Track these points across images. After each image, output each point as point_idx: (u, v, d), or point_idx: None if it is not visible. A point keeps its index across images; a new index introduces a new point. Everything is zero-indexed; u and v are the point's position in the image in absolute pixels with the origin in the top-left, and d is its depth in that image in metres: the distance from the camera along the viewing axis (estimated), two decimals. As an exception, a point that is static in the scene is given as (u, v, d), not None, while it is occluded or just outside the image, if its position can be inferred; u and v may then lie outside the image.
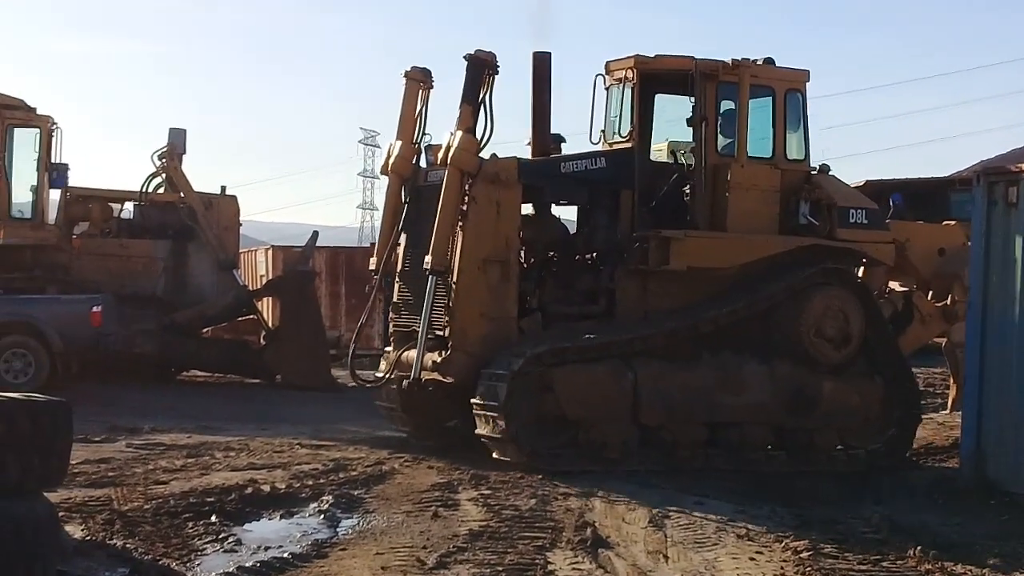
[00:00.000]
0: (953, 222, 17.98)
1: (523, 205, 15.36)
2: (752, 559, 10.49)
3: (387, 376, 15.10)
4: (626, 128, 15.52)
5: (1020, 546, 10.98)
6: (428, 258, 14.35)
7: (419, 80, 15.30)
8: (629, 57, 15.39)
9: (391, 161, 15.31)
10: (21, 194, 24.35)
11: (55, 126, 24.45)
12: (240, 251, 26.93)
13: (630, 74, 15.38)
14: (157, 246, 23.67)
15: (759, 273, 15.16)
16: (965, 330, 16.47)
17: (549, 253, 15.68)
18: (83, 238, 24.79)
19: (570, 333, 14.73)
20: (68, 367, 19.93)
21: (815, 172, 15.75)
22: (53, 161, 24.34)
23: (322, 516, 11.60)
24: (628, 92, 15.47)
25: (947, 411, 18.36)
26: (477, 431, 14.16)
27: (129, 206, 25.15)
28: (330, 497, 12.20)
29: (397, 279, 15.50)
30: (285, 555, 10.19)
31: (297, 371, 22.55)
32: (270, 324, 24.75)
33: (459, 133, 14.42)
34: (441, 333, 14.44)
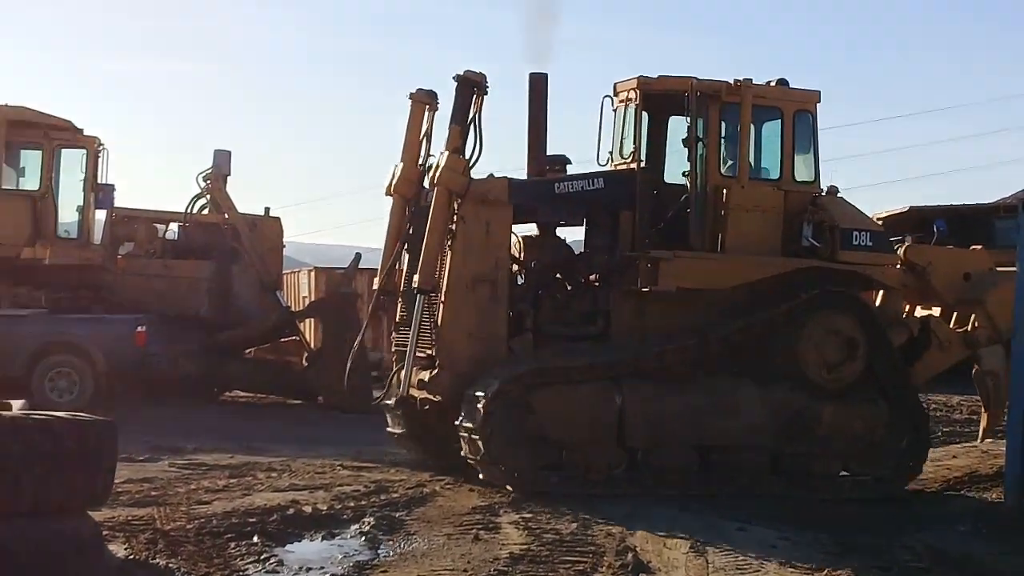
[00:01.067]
0: (979, 247, 17.72)
1: (526, 226, 15.38)
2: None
3: (383, 395, 15.10)
4: (629, 149, 15.42)
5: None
6: (416, 277, 14.37)
7: (424, 102, 15.24)
8: (633, 78, 15.30)
9: (395, 182, 15.23)
10: (68, 214, 24.53)
11: (101, 147, 24.64)
12: (283, 272, 26.99)
13: (633, 95, 15.29)
14: (201, 267, 23.74)
15: (758, 295, 14.98)
16: (995, 356, 16.39)
17: (552, 274, 15.56)
18: (128, 258, 24.89)
19: (558, 354, 14.62)
20: (112, 387, 20.02)
21: (822, 194, 15.52)
22: (99, 181, 24.55)
23: (363, 538, 11.61)
24: (632, 113, 15.37)
25: (978, 440, 18.11)
26: (461, 452, 14.12)
27: (174, 227, 25.26)
28: (371, 519, 12.20)
29: (400, 299, 15.45)
30: (327, 576, 10.22)
31: (339, 392, 22.59)
32: (312, 345, 24.81)
33: (447, 153, 14.40)
34: (430, 352, 14.39)
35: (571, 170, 15.71)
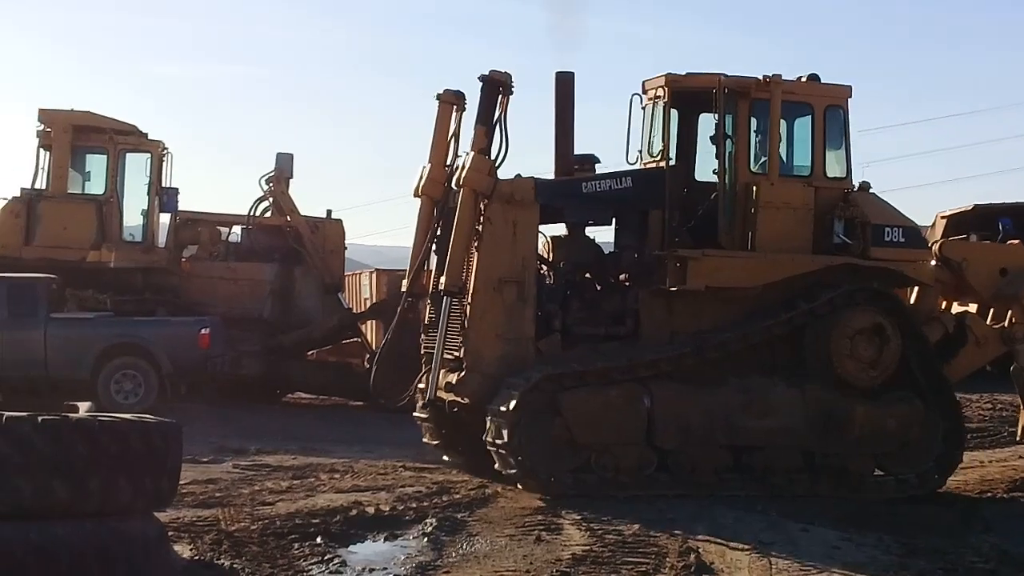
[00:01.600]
0: (1016, 241, 17.41)
1: (554, 226, 15.27)
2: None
3: (407, 396, 15.10)
4: (658, 147, 15.28)
5: None
6: (443, 278, 14.35)
7: (452, 103, 15.18)
8: (661, 76, 15.14)
9: (422, 183, 15.16)
10: (132, 218, 24.78)
11: (166, 151, 24.85)
12: (345, 274, 27.06)
13: (662, 92, 15.13)
14: (264, 269, 23.88)
15: (790, 293, 14.80)
16: None
17: (581, 274, 15.48)
18: (192, 261, 25.09)
19: (587, 355, 14.49)
20: (177, 388, 20.15)
21: (854, 191, 15.33)
22: (164, 185, 24.75)
23: (426, 539, 11.62)
24: (660, 111, 15.23)
25: (1018, 437, 17.80)
26: (495, 466, 14.07)
27: (237, 230, 25.43)
28: (434, 520, 12.21)
29: (429, 300, 15.39)
30: (391, 576, 10.25)
31: (400, 394, 22.62)
32: (374, 347, 24.85)
33: (472, 154, 14.36)
34: (457, 354, 14.34)
35: (600, 169, 15.58)
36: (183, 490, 11.76)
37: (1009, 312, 15.90)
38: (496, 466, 14.04)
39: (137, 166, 24.72)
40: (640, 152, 15.44)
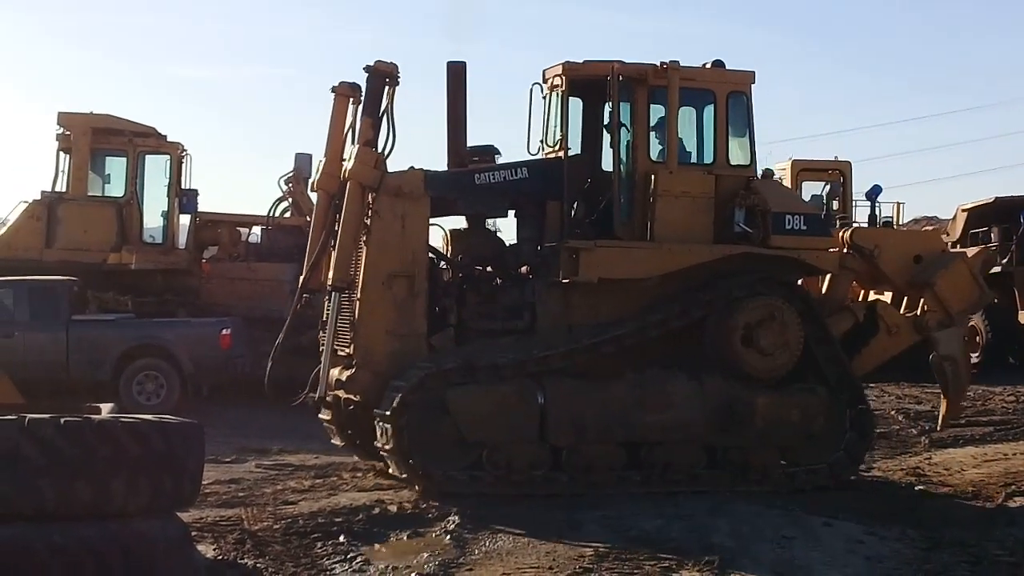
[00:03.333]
0: (932, 227, 17.20)
1: (453, 219, 15.19)
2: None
3: (303, 394, 14.65)
4: (556, 136, 15.01)
5: None
6: (330, 274, 14.13)
7: (347, 95, 14.73)
8: (559, 64, 14.89)
9: (318, 178, 14.92)
10: (152, 219, 24.85)
11: (185, 152, 24.93)
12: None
13: (560, 81, 14.89)
14: (284, 269, 23.83)
15: (689, 284, 14.59)
16: (953, 340, 15.96)
17: (480, 267, 15.19)
18: (212, 262, 25.18)
19: (478, 350, 14.23)
20: (198, 389, 20.21)
21: (757, 178, 15.11)
22: (183, 187, 24.83)
23: (449, 536, 11.64)
24: (558, 100, 15.00)
25: (938, 427, 17.67)
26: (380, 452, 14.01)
27: (257, 230, 25.54)
28: (456, 517, 12.21)
29: (325, 296, 14.96)
30: (412, 575, 10.25)
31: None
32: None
33: (358, 147, 14.12)
34: (348, 350, 14.16)
35: (502, 160, 15.34)
36: (206, 490, 11.80)
37: (922, 300, 15.74)
38: (389, 470, 13.99)
39: (157, 168, 24.79)
40: (542, 142, 15.13)
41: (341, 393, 14.25)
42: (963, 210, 31.67)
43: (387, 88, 14.19)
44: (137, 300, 22.77)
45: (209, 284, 23.97)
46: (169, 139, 24.87)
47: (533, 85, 15.10)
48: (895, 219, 31.99)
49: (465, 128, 14.97)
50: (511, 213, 15.28)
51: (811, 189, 32.54)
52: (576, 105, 15.15)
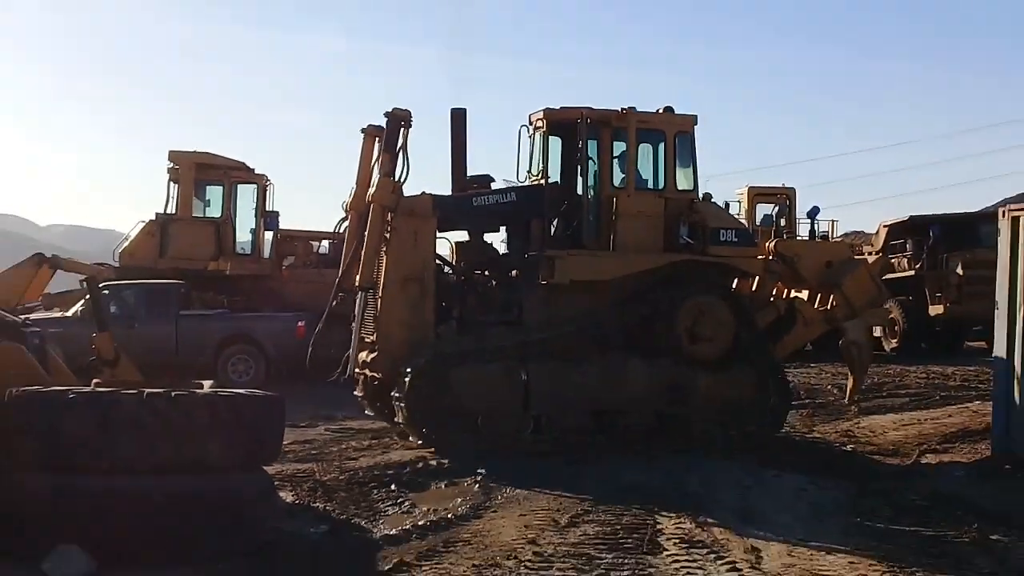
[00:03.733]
0: (859, 240, 17.21)
1: (457, 233, 15.07)
2: (822, 521, 10.33)
3: (337, 373, 14.61)
4: (538, 167, 14.92)
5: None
6: (358, 277, 14.17)
7: (373, 135, 14.68)
8: (541, 109, 14.85)
9: (350, 201, 14.91)
10: (243, 235, 24.98)
11: (268, 182, 25.04)
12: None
13: (541, 123, 14.85)
14: (347, 274, 23.91)
15: (643, 285, 14.53)
16: (858, 329, 15.96)
17: (478, 272, 15.20)
18: (290, 269, 25.22)
19: (475, 338, 14.23)
20: (279, 369, 20.22)
21: (698, 200, 14.98)
22: (267, 209, 24.93)
23: (477, 486, 11.61)
24: (540, 138, 14.93)
25: (845, 399, 17.67)
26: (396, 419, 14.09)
27: (325, 243, 25.52)
28: (483, 471, 12.17)
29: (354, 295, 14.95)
30: (449, 516, 10.25)
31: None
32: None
33: (379, 176, 14.14)
34: (372, 338, 14.17)
35: (494, 187, 15.24)
36: (285, 449, 11.81)
37: (832, 297, 15.75)
38: (409, 437, 14.11)
39: (246, 194, 24.93)
40: (528, 172, 15.06)
41: (367, 371, 14.30)
42: (884, 226, 31.60)
43: (402, 129, 14.17)
44: (231, 299, 22.86)
45: (287, 286, 23.97)
46: (256, 171, 24.98)
47: (521, 127, 15.04)
48: (830, 233, 31.91)
49: (465, 160, 14.96)
50: (503, 229, 15.26)
51: (764, 210, 32.49)
52: (556, 142, 15.05)
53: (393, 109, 14.12)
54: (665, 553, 8.96)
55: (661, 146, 14.93)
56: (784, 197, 32.38)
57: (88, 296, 13.42)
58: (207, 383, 10.08)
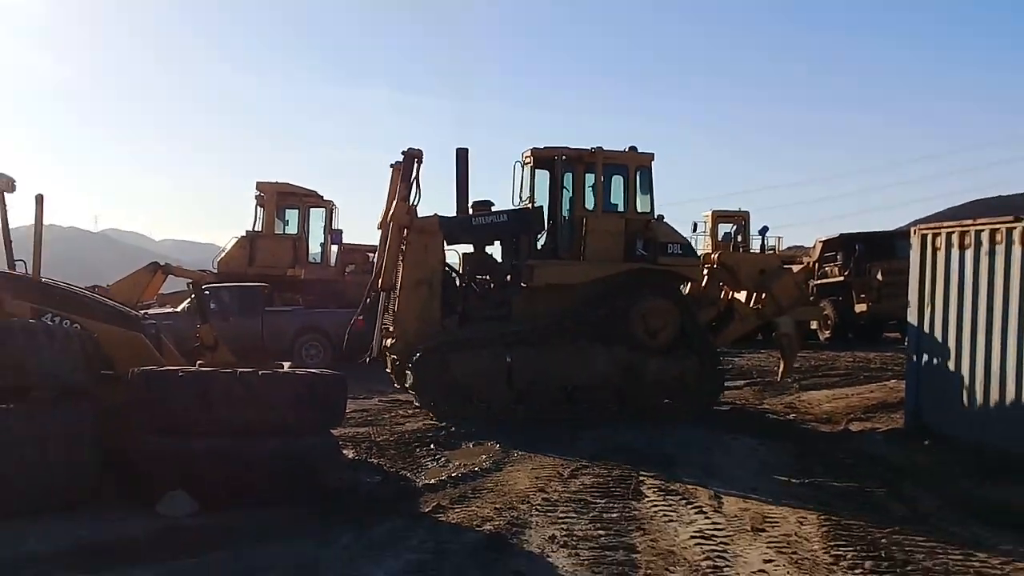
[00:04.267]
0: (773, 252, 17.04)
1: (462, 246, 15.07)
2: (769, 476, 10.30)
3: (368, 355, 14.74)
4: (526, 194, 14.94)
5: (946, 467, 10.61)
6: (380, 281, 14.32)
7: (398, 169, 14.66)
8: (529, 148, 14.89)
9: (382, 221, 14.82)
10: (314, 248, 25.05)
11: (334, 206, 25.12)
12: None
13: (529, 159, 14.88)
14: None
15: (607, 288, 14.48)
16: (788, 323, 15.91)
17: (479, 277, 15.17)
18: (351, 275, 25.25)
19: (471, 329, 14.29)
20: (343, 354, 20.25)
21: (653, 221, 14.87)
22: (333, 227, 25.02)
23: (498, 446, 11.61)
24: (528, 171, 14.92)
25: (778, 379, 17.63)
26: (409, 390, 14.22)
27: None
28: (503, 435, 12.19)
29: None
30: (476, 469, 10.25)
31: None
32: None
33: (397, 201, 14.24)
34: (392, 327, 14.28)
35: (495, 209, 15.15)
36: (347, 416, 11.82)
37: (764, 296, 15.70)
38: (415, 401, 14.27)
39: (317, 216, 25.02)
40: (520, 198, 15.04)
41: (386, 353, 14.43)
42: (820, 241, 31.49)
43: (416, 164, 14.19)
44: (305, 298, 22.92)
45: (349, 288, 23.95)
46: (325, 198, 25.04)
47: (515, 162, 15.05)
48: (777, 247, 31.86)
49: (467, 188, 14.90)
50: (498, 243, 15.18)
51: (724, 228, 32.43)
52: (543, 174, 15.01)
53: (409, 148, 14.18)
54: (646, 500, 8.95)
55: (626, 178, 14.93)
56: (740, 219, 32.36)
57: (193, 295, 13.46)
58: (286, 364, 10.11)
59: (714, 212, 32.46)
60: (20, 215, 10.19)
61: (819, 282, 30.69)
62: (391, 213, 14.24)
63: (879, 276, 27.96)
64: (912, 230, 13.14)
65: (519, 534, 7.67)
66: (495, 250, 15.43)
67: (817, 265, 31.14)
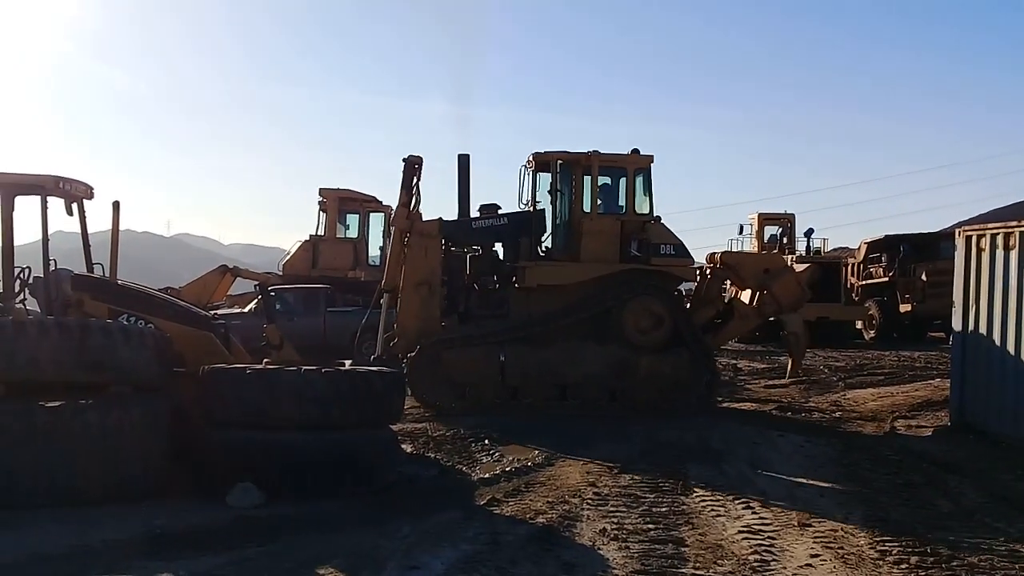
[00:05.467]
0: (776, 251, 16.69)
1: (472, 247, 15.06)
2: (816, 471, 10.16)
3: (374, 355, 14.57)
4: (527, 198, 14.83)
5: (991, 463, 10.41)
6: (383, 282, 14.36)
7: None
8: (531, 153, 14.76)
9: (392, 220, 15.00)
10: (374, 251, 25.16)
11: (392, 211, 25.18)
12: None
13: (531, 163, 14.76)
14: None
15: (601, 287, 14.35)
16: (796, 322, 15.76)
17: (483, 277, 15.06)
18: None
19: (468, 328, 14.28)
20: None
21: (650, 222, 14.64)
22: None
23: (549, 442, 11.59)
24: (529, 175, 14.83)
25: (787, 377, 17.24)
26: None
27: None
28: (554, 432, 12.16)
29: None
30: (529, 464, 10.24)
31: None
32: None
33: (397, 207, 14.26)
34: (395, 326, 14.32)
35: (500, 213, 15.21)
36: (405, 412, 11.87)
37: (764, 295, 15.40)
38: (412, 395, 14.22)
39: (377, 220, 25.15)
40: (524, 201, 14.93)
41: (390, 351, 14.45)
42: (865, 243, 31.08)
43: (416, 170, 14.21)
44: (365, 299, 23.00)
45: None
46: (384, 203, 25.19)
47: (521, 166, 14.97)
48: (823, 249, 31.44)
49: (468, 194, 14.89)
50: (499, 245, 15.11)
51: (770, 230, 32.08)
52: (544, 177, 14.93)
53: (409, 156, 14.21)
54: (695, 494, 8.88)
55: (626, 180, 14.79)
56: (786, 221, 31.97)
57: (260, 297, 13.63)
58: (347, 362, 10.18)
59: (760, 215, 32.13)
60: (98, 221, 10.42)
61: (864, 283, 30.25)
62: (391, 218, 14.30)
63: (924, 277, 27.51)
64: (957, 231, 12.91)
65: (571, 527, 7.65)
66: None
67: (862, 266, 30.70)
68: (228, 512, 7.75)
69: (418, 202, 14.29)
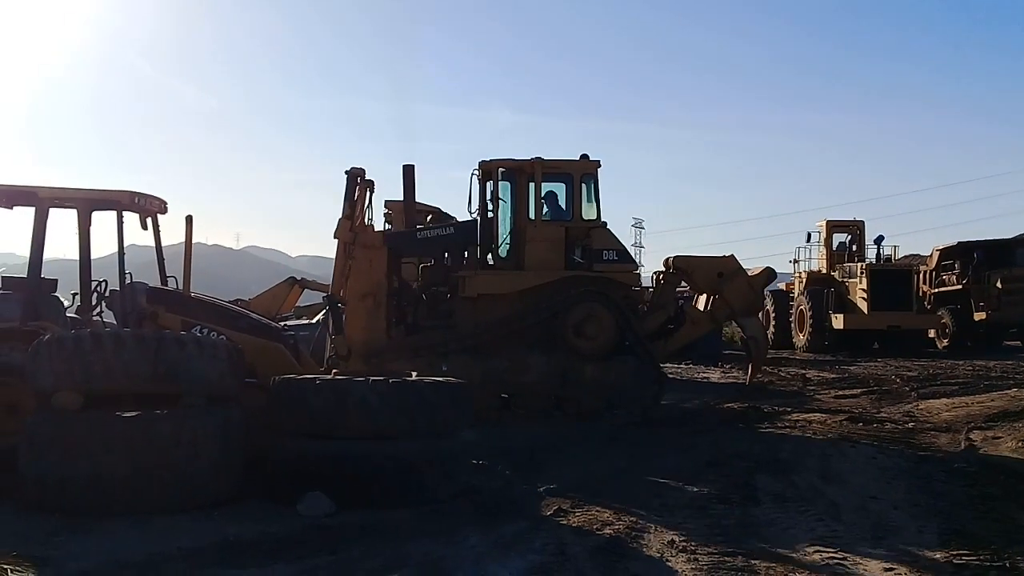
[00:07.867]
0: (731, 254, 16.24)
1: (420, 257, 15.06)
2: (889, 483, 9.93)
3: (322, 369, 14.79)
4: (475, 206, 14.82)
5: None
6: (330, 293, 14.26)
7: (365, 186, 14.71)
8: (479, 160, 14.76)
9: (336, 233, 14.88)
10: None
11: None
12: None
13: (478, 171, 14.71)
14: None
15: (545, 295, 14.23)
16: (755, 326, 15.51)
17: (433, 287, 15.00)
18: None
19: (412, 339, 14.21)
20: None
21: (596, 228, 14.52)
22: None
23: (615, 451, 11.52)
24: (476, 182, 14.77)
25: (747, 382, 16.79)
26: None
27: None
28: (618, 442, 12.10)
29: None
30: (595, 474, 10.20)
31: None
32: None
33: (340, 219, 14.14)
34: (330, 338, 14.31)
35: (447, 218, 15.33)
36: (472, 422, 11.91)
37: (716, 299, 15.18)
38: None
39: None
40: (471, 210, 14.97)
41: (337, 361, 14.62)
42: (937, 250, 30.50)
43: (359, 182, 14.14)
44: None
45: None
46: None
47: (471, 173, 14.91)
48: (893, 256, 30.87)
49: (414, 204, 15.00)
50: (446, 255, 15.09)
51: (839, 237, 31.60)
52: (492, 185, 14.89)
53: (351, 168, 14.15)
54: (763, 506, 8.76)
55: (571, 186, 14.67)
56: (855, 228, 31.48)
57: (327, 308, 13.81)
58: (414, 372, 10.25)
59: (828, 222, 31.67)
60: (170, 235, 10.67)
61: (936, 290, 29.64)
62: (334, 231, 14.27)
63: (998, 284, 26.89)
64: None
65: (638, 538, 7.60)
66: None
67: (934, 274, 30.09)
68: (299, 521, 7.84)
69: (364, 214, 14.30)
